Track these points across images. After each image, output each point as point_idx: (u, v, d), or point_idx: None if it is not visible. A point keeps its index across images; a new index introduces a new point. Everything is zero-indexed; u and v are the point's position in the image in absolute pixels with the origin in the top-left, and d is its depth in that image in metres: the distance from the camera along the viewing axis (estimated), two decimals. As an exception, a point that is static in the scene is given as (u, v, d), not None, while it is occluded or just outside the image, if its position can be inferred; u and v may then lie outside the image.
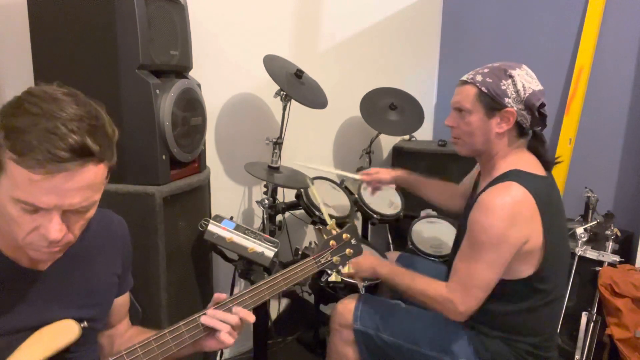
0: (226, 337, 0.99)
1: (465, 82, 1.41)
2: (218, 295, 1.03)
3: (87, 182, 0.77)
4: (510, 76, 1.35)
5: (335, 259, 1.27)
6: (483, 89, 1.36)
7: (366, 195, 2.24)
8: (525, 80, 1.35)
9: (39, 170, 0.73)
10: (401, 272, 1.49)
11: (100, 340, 1.09)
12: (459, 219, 1.56)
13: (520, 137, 1.41)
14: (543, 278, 1.33)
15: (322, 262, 1.25)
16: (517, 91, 1.34)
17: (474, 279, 1.31)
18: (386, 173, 1.90)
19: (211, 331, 1.00)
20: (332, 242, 1.28)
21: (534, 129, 1.41)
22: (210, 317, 0.99)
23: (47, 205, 0.76)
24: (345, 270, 1.40)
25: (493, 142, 1.40)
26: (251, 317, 1.03)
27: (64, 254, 0.93)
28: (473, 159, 1.51)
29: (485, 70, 1.38)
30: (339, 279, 1.65)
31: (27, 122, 0.73)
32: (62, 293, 0.93)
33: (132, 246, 1.12)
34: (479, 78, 1.37)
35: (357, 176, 1.96)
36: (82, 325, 0.92)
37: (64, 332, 0.90)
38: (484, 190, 1.36)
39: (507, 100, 1.34)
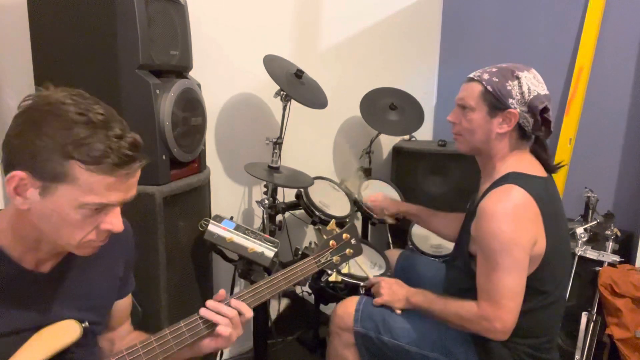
0: (223, 329, 0.99)
1: (471, 80, 1.41)
2: (220, 292, 1.05)
3: (139, 173, 0.85)
4: (517, 78, 1.34)
5: (335, 258, 1.27)
6: (488, 87, 1.36)
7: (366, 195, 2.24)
8: (532, 83, 1.35)
9: (119, 173, 0.78)
10: (434, 298, 1.44)
11: (101, 343, 1.09)
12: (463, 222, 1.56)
13: (522, 141, 1.40)
14: (543, 280, 1.33)
15: (322, 261, 1.25)
16: (522, 93, 1.34)
17: (498, 289, 1.27)
18: (392, 205, 1.90)
19: (211, 329, 1.01)
20: (332, 242, 1.28)
21: (536, 133, 1.39)
22: (207, 309, 1.01)
23: (116, 201, 0.81)
24: (345, 270, 1.40)
25: (493, 143, 1.39)
26: (249, 311, 1.04)
27: (67, 255, 0.94)
28: (474, 159, 1.51)
29: (493, 70, 1.38)
30: (339, 279, 1.65)
31: (87, 131, 0.76)
32: (63, 295, 0.93)
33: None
34: (485, 76, 1.37)
35: (362, 198, 2.02)
36: (83, 325, 0.92)
37: (66, 332, 0.91)
38: (484, 194, 1.36)
39: (511, 101, 1.34)
